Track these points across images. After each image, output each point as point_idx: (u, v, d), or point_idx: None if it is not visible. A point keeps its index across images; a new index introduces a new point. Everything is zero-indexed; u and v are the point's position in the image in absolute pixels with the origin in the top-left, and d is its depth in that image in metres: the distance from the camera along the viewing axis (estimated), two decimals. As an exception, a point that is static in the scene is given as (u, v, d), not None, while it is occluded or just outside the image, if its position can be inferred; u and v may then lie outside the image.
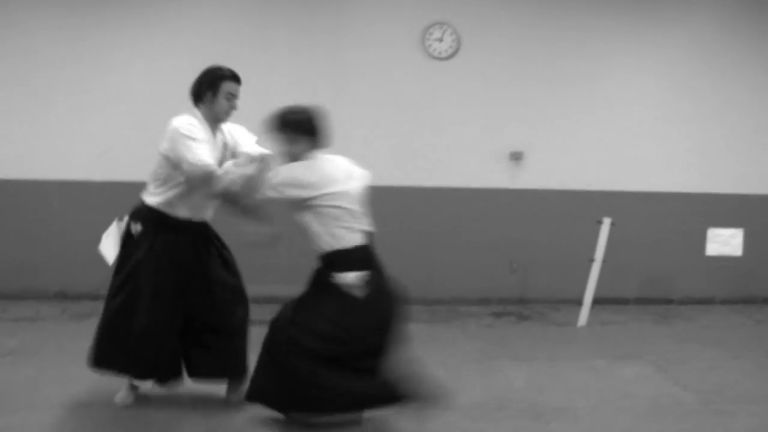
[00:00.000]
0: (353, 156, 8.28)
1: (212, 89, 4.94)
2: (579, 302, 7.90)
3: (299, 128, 4.70)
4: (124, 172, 7.72)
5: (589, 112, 8.61)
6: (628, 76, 8.64)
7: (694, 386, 5.86)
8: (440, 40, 8.37)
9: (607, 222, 7.74)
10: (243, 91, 8.18)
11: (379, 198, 8.38)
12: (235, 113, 5.08)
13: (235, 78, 5.06)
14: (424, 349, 6.55)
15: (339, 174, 4.65)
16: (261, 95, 8.27)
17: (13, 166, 8.10)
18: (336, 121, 8.35)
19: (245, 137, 5.14)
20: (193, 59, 8.16)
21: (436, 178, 8.46)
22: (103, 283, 5.17)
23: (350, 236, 4.58)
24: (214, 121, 4.98)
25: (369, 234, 4.72)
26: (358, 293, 4.52)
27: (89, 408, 5.01)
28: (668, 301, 8.90)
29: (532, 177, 8.56)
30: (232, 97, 5.00)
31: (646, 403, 5.46)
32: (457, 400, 5.09)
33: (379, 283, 4.65)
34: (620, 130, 8.66)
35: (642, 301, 8.87)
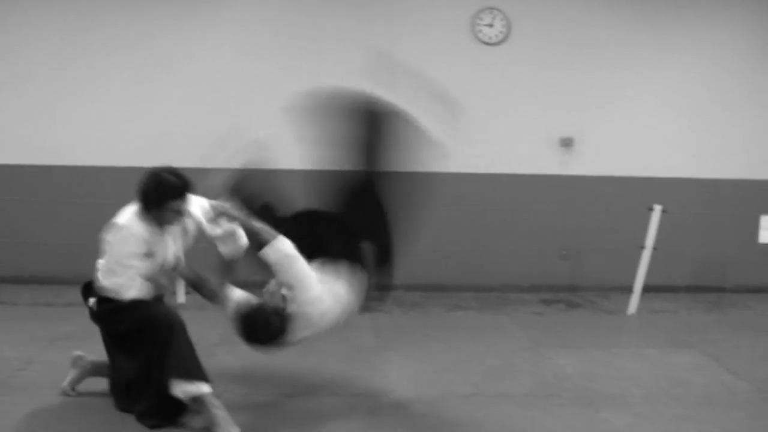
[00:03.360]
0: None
1: (157, 205, 4.56)
2: (629, 290, 7.83)
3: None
4: (176, 158, 7.77)
5: (641, 98, 8.52)
6: (682, 61, 8.53)
7: (748, 375, 5.78)
8: (490, 25, 8.33)
9: (658, 209, 7.65)
10: (294, 75, 8.27)
11: (428, 184, 8.41)
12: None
13: (181, 194, 4.60)
14: (474, 337, 6.54)
15: None
16: (312, 82, 8.33)
17: (68, 153, 8.20)
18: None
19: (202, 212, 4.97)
20: (246, 46, 8.29)
21: (486, 164, 8.43)
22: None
23: None
24: (158, 224, 4.67)
25: None
26: None
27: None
28: (721, 290, 8.80)
29: (583, 163, 8.50)
30: (178, 213, 4.64)
31: (699, 392, 5.39)
32: (508, 388, 5.07)
33: None
34: (672, 116, 8.56)
35: (694, 289, 8.77)
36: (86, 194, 8.18)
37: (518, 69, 8.41)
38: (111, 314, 4.63)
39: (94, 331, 6.41)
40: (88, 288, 4.78)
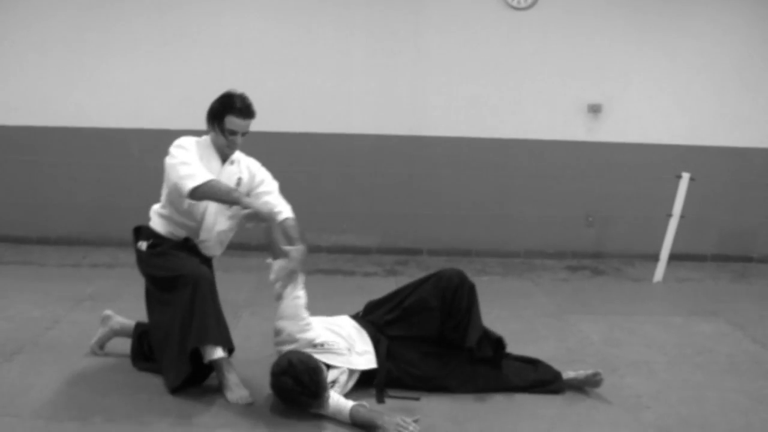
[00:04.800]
0: (430, 106, 8.29)
1: (216, 120, 4.60)
2: (655, 258, 7.80)
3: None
4: (201, 122, 7.77)
5: (671, 65, 8.42)
6: (712, 27, 8.40)
7: (773, 345, 5.78)
8: (520, -11, 8.26)
9: (686, 177, 7.60)
10: (320, 41, 8.21)
11: (456, 148, 8.40)
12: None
13: (243, 113, 4.58)
14: (498, 302, 6.53)
15: None
16: (341, 48, 8.30)
17: (95, 115, 8.23)
18: (414, 72, 8.38)
19: (268, 185, 4.81)
20: (272, 11, 8.25)
21: (513, 130, 8.38)
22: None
23: None
24: (219, 152, 4.69)
25: None
26: None
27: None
28: (747, 259, 8.75)
29: (611, 130, 8.44)
30: (233, 134, 4.57)
31: (723, 360, 5.39)
32: (532, 353, 5.06)
33: None
34: (702, 84, 8.46)
35: (720, 258, 8.73)
36: (112, 156, 8.23)
37: (547, 34, 8.33)
38: (153, 258, 4.63)
39: (120, 292, 6.53)
40: (139, 232, 4.77)
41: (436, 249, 8.51)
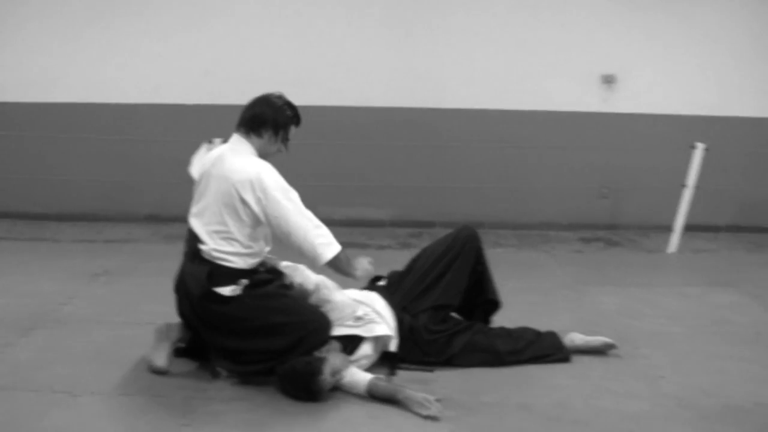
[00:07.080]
0: (445, 78, 8.25)
1: (282, 130, 4.44)
2: (670, 229, 7.77)
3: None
4: (215, 96, 7.78)
5: (685, 35, 8.34)
6: (728, -4, 8.34)
7: (790, 314, 5.76)
8: (532, -43, 8.19)
9: (700, 147, 7.56)
10: (342, 14, 8.18)
11: (470, 120, 8.36)
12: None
13: (299, 121, 4.57)
14: (513, 274, 6.51)
15: None
16: (358, 21, 8.25)
17: (107, 90, 8.21)
18: (429, 44, 8.33)
19: None
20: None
21: (527, 102, 8.33)
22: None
23: None
24: (260, 157, 4.37)
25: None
26: None
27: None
28: (762, 230, 8.69)
29: (625, 100, 8.37)
30: (288, 141, 4.52)
31: (741, 331, 5.37)
32: (549, 325, 5.06)
33: None
34: (717, 53, 8.36)
35: (735, 228, 8.68)
36: (130, 131, 8.21)
37: (561, 4, 8.26)
38: (259, 300, 4.27)
39: (135, 267, 6.55)
40: (213, 279, 4.21)
41: (449, 221, 8.45)
